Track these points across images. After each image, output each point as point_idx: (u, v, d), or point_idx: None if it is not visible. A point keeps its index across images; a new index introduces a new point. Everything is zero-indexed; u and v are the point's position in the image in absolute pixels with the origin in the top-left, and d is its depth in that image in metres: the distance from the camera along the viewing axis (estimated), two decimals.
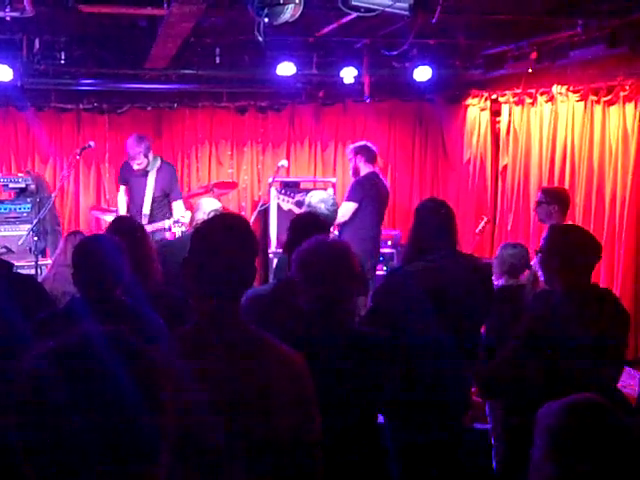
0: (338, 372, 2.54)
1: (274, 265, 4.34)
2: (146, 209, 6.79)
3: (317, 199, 4.50)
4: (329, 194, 4.79)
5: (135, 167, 6.78)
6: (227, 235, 2.09)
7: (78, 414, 1.19)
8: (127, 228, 3.80)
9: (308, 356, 2.52)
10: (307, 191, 6.40)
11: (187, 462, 1.86)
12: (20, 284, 3.50)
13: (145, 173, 6.80)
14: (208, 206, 5.10)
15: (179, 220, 6.30)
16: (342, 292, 2.62)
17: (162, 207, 6.87)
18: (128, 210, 6.99)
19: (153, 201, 6.81)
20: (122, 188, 7.11)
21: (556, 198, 5.33)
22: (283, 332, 2.64)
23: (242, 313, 3.24)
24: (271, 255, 7.83)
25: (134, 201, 6.93)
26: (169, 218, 6.60)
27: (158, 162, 6.90)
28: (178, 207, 6.87)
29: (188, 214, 6.81)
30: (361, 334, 2.67)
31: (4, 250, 6.48)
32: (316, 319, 2.61)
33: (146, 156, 6.76)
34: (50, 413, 1.20)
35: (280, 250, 7.09)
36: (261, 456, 1.98)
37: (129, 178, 6.98)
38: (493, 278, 4.91)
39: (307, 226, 3.52)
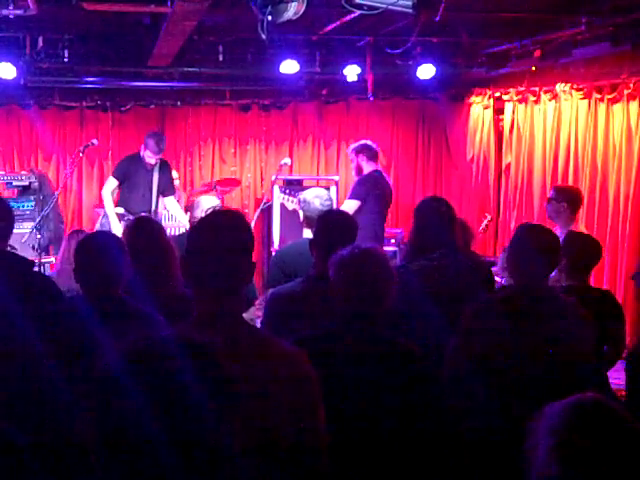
0: (363, 377, 2.54)
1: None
2: (154, 205, 6.90)
3: (312, 195, 4.49)
4: (324, 190, 4.78)
5: (152, 162, 6.77)
6: (221, 232, 2.08)
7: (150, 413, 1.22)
8: (148, 228, 3.75)
9: (335, 357, 2.54)
10: (307, 190, 6.40)
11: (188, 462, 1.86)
12: (36, 282, 3.48)
13: (152, 169, 6.85)
14: (207, 204, 5.11)
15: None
16: (378, 298, 2.63)
17: (159, 203, 7.03)
18: (121, 205, 6.93)
19: (157, 197, 6.93)
20: (113, 183, 6.91)
21: (566, 196, 5.31)
22: (315, 332, 2.66)
23: (272, 312, 3.25)
24: (274, 253, 7.83)
25: (138, 196, 6.88)
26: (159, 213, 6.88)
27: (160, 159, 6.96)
28: (172, 203, 7.01)
29: (182, 212, 6.90)
30: (393, 342, 2.67)
31: (8, 247, 6.49)
32: (349, 321, 2.63)
33: None
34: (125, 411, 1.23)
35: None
36: (262, 458, 1.96)
37: (132, 174, 6.88)
38: (500, 278, 4.90)
39: (334, 224, 3.49)
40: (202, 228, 2.13)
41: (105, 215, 6.87)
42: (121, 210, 6.85)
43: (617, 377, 4.16)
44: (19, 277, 3.18)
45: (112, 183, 6.92)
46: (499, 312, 3.08)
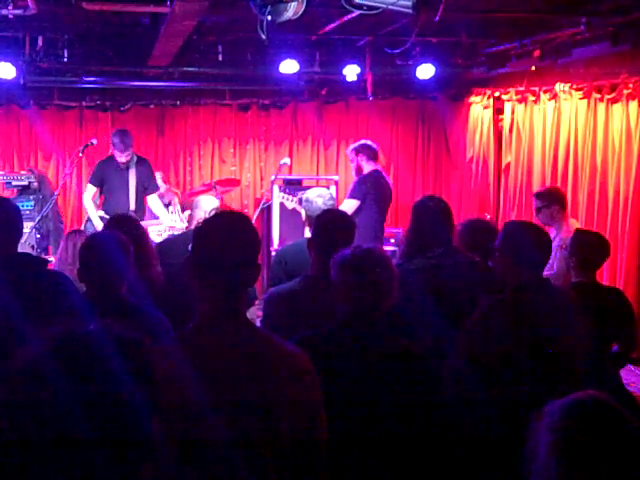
0: (364, 376, 2.55)
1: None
2: (132, 205, 6.78)
3: (314, 194, 4.50)
4: (326, 190, 4.79)
5: (122, 160, 6.69)
6: (230, 234, 2.08)
7: (73, 407, 1.23)
8: (127, 227, 3.67)
9: (336, 357, 2.55)
10: (309, 189, 6.41)
11: (189, 463, 1.86)
12: (50, 282, 3.46)
13: (127, 168, 6.78)
14: (207, 204, 5.10)
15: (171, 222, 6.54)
16: (380, 299, 2.63)
17: (142, 202, 6.90)
18: (103, 209, 6.89)
19: (136, 196, 6.82)
20: (92, 189, 6.87)
21: (553, 199, 5.27)
22: (316, 331, 2.66)
23: (271, 312, 3.26)
24: (273, 253, 7.83)
25: (116, 198, 6.82)
26: (144, 212, 6.78)
27: (135, 157, 6.86)
28: (155, 201, 6.90)
29: (164, 211, 6.87)
30: (393, 342, 2.67)
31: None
32: (350, 320, 2.63)
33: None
34: (46, 405, 1.24)
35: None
36: (264, 457, 1.97)
37: (108, 176, 6.83)
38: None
39: (332, 224, 3.49)
40: (208, 230, 2.13)
41: (89, 220, 6.86)
42: (102, 213, 6.81)
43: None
44: (33, 278, 3.17)
45: (90, 190, 6.90)
46: (504, 312, 3.09)
